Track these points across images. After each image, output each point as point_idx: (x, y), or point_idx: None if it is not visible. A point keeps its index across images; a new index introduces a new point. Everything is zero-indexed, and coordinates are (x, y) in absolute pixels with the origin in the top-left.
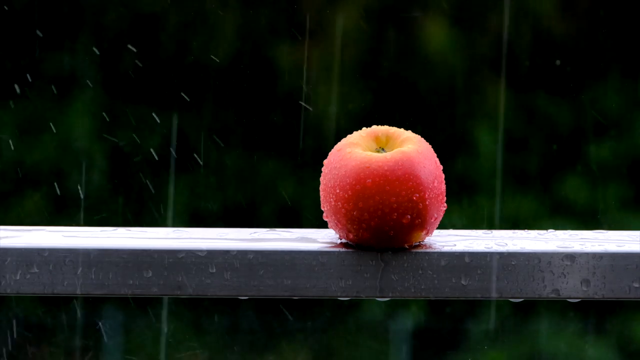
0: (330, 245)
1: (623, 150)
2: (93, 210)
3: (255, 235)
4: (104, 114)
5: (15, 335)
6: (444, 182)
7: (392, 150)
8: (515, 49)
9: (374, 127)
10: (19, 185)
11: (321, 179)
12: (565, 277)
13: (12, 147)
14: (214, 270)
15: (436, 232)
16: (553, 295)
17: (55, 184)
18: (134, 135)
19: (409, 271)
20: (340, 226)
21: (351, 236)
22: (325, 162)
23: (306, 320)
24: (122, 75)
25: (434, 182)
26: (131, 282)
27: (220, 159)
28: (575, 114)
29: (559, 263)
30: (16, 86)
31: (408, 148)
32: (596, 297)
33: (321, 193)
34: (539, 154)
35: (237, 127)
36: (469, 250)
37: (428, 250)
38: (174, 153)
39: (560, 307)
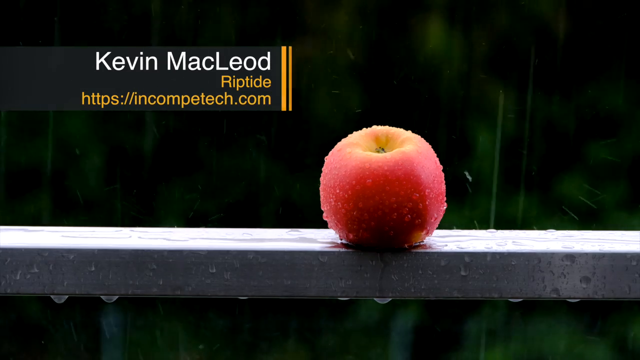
0: (330, 245)
1: (623, 150)
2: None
3: (255, 235)
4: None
5: (14, 336)
6: (444, 182)
7: (392, 150)
8: (515, 48)
9: (374, 127)
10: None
11: (321, 179)
12: (565, 277)
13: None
14: (214, 270)
15: (436, 232)
16: (553, 295)
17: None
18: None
19: (409, 271)
20: (340, 226)
21: (351, 236)
22: (325, 162)
23: (306, 320)
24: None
25: (433, 182)
26: (131, 282)
27: (220, 159)
28: (575, 114)
29: (559, 263)
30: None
31: (408, 148)
32: (596, 297)
33: (321, 193)
34: (539, 154)
35: (237, 127)
36: (469, 250)
37: (428, 250)
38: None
39: (560, 307)
